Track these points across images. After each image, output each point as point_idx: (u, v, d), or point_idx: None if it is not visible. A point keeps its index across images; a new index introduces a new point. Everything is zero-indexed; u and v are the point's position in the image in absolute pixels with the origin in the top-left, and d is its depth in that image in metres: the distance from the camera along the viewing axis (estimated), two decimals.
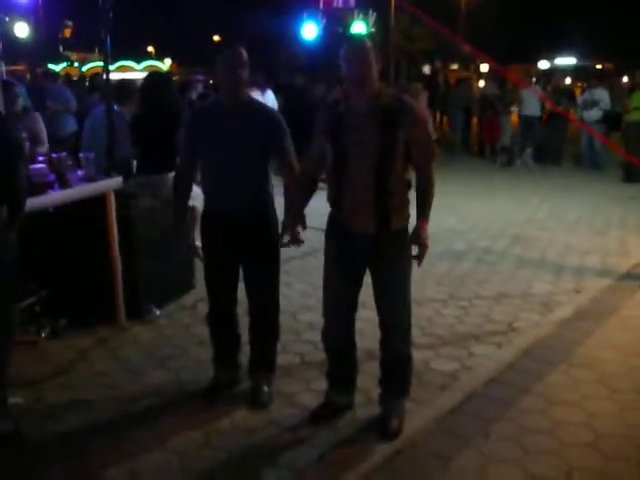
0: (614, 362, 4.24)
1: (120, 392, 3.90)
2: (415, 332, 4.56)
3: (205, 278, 3.81)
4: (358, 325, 3.58)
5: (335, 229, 3.36)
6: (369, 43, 3.20)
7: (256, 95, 10.00)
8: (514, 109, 13.94)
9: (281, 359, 4.03)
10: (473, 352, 4.40)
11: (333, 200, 3.32)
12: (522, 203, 9.30)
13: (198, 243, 5.84)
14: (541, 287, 5.74)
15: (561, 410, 3.63)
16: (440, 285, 5.76)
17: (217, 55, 3.46)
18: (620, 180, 11.16)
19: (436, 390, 3.86)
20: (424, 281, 5.64)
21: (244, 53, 3.45)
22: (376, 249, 3.28)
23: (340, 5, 12.47)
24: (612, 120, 12.74)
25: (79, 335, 4.64)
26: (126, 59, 32.05)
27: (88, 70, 31.97)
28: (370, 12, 12.87)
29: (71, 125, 9.78)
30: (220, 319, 3.81)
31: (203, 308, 5.18)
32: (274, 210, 3.65)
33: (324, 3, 12.60)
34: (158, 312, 5.04)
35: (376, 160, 3.12)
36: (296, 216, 3.43)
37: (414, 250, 3.22)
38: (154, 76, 6.09)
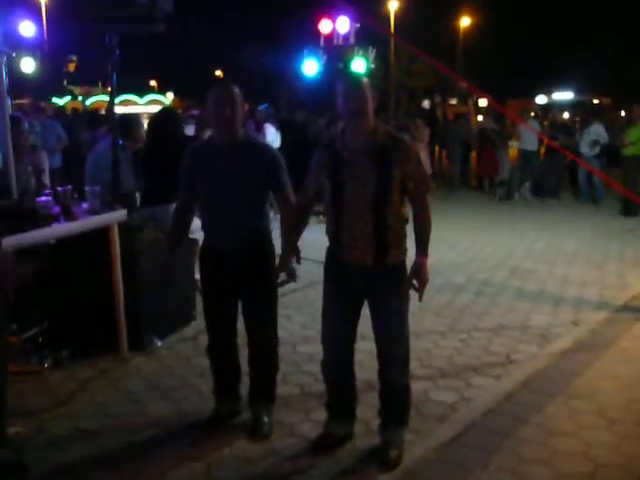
0: (612, 394, 4.27)
1: (122, 422, 3.93)
2: (414, 364, 4.61)
3: (204, 312, 3.87)
4: (357, 356, 3.63)
5: (333, 262, 3.44)
6: (365, 80, 3.30)
7: (271, 128, 10.20)
8: (513, 143, 14.11)
9: (281, 390, 4.07)
10: (472, 383, 4.44)
11: (332, 234, 3.40)
12: (520, 236, 9.38)
13: (198, 276, 5.94)
14: (539, 319, 5.78)
15: (559, 440, 3.66)
16: (439, 317, 5.81)
17: (208, 92, 3.52)
18: (618, 213, 11.26)
19: (435, 421, 3.89)
20: (423, 313, 5.68)
21: (235, 89, 3.49)
22: (374, 282, 3.35)
23: (340, 42, 12.71)
24: (611, 154, 12.93)
25: (81, 366, 4.68)
26: (129, 93, 32.42)
27: (92, 104, 32.36)
28: (370, 49, 13.10)
29: (56, 162, 9.87)
30: (220, 351, 3.85)
31: (204, 340, 5.20)
32: (271, 244, 3.71)
33: (324, 40, 12.84)
34: (159, 343, 5.08)
35: (373, 195, 3.21)
36: (290, 250, 3.52)
37: (414, 284, 3.30)
38: (164, 112, 6.29)
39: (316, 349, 4.46)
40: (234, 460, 3.51)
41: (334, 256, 3.43)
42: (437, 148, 17.20)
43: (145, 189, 5.56)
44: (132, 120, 5.97)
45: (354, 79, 3.36)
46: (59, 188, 4.74)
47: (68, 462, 3.50)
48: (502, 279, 7.09)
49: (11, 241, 3.82)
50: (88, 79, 37.78)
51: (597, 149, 12.61)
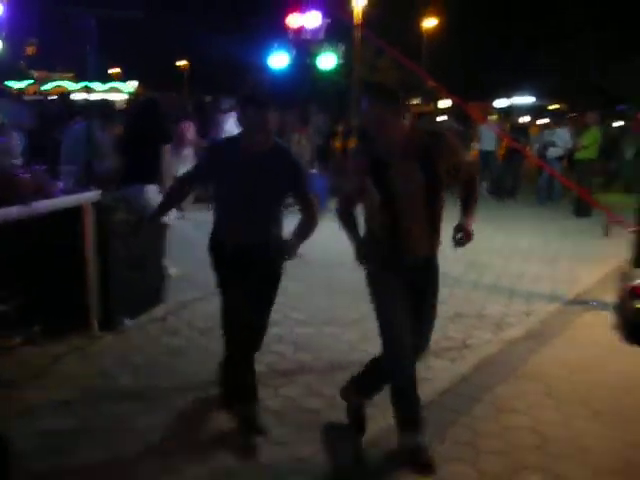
0: (560, 377, 4.56)
1: (94, 394, 4.09)
2: (376, 346, 4.85)
3: (224, 311, 3.76)
4: (323, 340, 3.82)
5: (387, 260, 3.44)
6: (382, 91, 3.33)
7: (232, 117, 10.33)
8: (475, 145, 14.47)
9: (284, 366, 4.40)
10: (430, 366, 4.68)
11: (386, 236, 3.41)
12: (478, 233, 9.61)
13: (168, 262, 6.09)
14: (494, 309, 6.07)
15: (510, 417, 3.93)
16: None
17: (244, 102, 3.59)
18: (571, 214, 11.71)
19: None
20: None
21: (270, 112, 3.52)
22: (426, 271, 3.51)
23: (309, 37, 12.85)
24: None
25: (53, 342, 4.78)
26: (91, 80, 32.05)
27: (51, 89, 31.83)
28: (338, 44, 13.28)
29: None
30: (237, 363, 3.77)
31: (173, 320, 5.43)
32: (280, 237, 3.77)
33: (293, 34, 12.98)
34: (129, 323, 5.21)
35: (425, 195, 3.33)
36: (297, 246, 3.63)
37: (459, 237, 3.44)
38: (147, 100, 6.50)
39: (284, 330, 4.73)
40: (210, 432, 3.69)
41: (387, 255, 3.43)
42: None
43: (122, 171, 5.69)
44: (110, 105, 6.12)
45: (370, 92, 3.39)
46: (34, 167, 4.83)
47: (44, 429, 3.63)
48: (459, 272, 7.35)
49: None
50: (47, 63, 37.12)
51: (560, 151, 13.06)
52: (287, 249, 3.58)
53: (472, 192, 3.58)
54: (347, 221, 3.58)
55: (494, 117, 17.24)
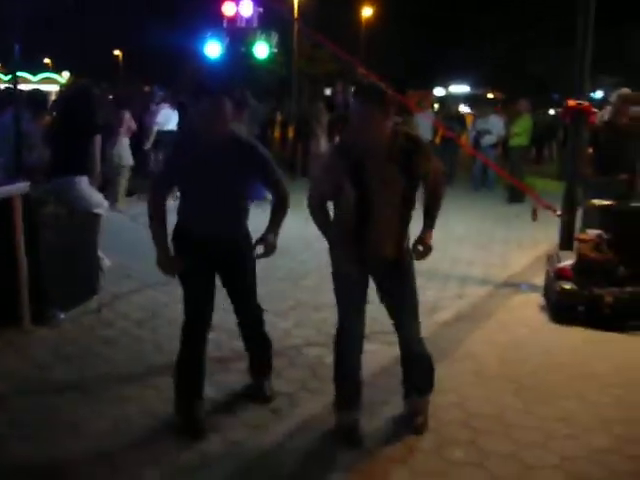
0: (489, 356, 4.73)
1: (30, 386, 4.07)
2: (310, 332, 4.95)
3: (185, 298, 3.75)
4: (277, 333, 3.87)
5: (350, 258, 3.51)
6: (373, 93, 3.33)
7: (167, 109, 10.31)
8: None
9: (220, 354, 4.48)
10: (364, 349, 4.77)
11: (354, 234, 3.46)
12: (415, 218, 9.86)
13: (101, 254, 6.04)
14: (429, 294, 6.20)
15: (439, 396, 4.03)
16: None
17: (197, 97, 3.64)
18: (505, 201, 12.02)
19: (329, 382, 4.18)
20: (321, 288, 5.98)
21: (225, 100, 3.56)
22: (392, 269, 3.56)
23: (243, 24, 12.80)
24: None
25: None
26: (22, 70, 31.21)
27: None
28: (272, 33, 13.29)
29: None
30: (197, 338, 3.77)
31: (107, 312, 5.41)
32: (249, 234, 3.84)
33: (227, 22, 12.91)
34: (62, 316, 5.16)
35: (401, 199, 3.41)
36: (274, 234, 3.76)
37: (419, 249, 3.61)
38: (77, 89, 6.40)
39: (218, 318, 4.75)
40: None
41: (351, 247, 3.50)
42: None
43: (51, 162, 5.61)
44: (41, 95, 6.01)
45: (361, 98, 3.39)
46: None
47: None
48: None
49: None
50: None
51: (494, 139, 13.37)
52: (268, 244, 3.71)
53: (437, 201, 3.67)
54: (320, 218, 3.64)
55: (436, 105, 17.56)
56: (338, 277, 3.63)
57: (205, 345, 3.78)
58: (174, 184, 3.86)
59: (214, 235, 3.66)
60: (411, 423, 3.67)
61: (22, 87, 12.83)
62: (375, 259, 3.53)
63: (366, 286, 3.64)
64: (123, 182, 9.98)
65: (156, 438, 3.52)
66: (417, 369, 3.76)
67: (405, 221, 3.51)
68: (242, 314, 3.95)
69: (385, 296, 3.68)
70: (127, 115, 10.04)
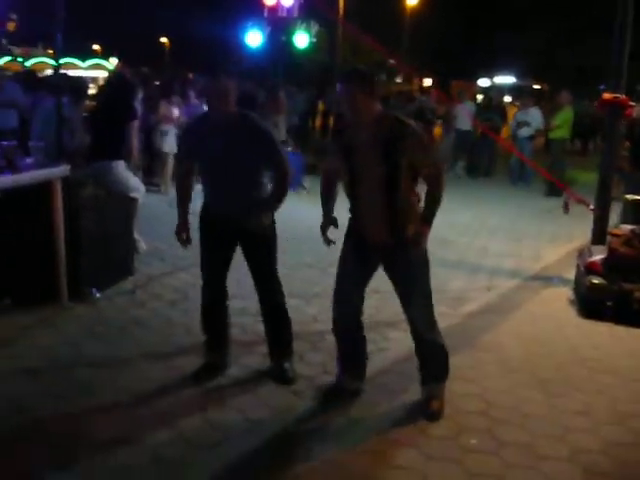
0: (514, 348, 4.76)
1: (61, 362, 4.22)
2: None
3: (203, 269, 4.08)
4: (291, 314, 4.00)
5: (353, 234, 3.74)
6: (355, 79, 3.44)
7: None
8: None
9: (245, 338, 4.60)
10: (388, 337, 4.86)
11: (351, 211, 3.71)
12: (448, 210, 9.70)
13: (137, 236, 6.22)
14: (456, 284, 6.25)
15: (460, 385, 4.10)
16: None
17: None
18: (543, 195, 11.90)
19: None
20: None
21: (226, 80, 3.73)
22: (392, 254, 3.63)
23: (284, 14, 12.88)
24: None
25: (23, 313, 4.90)
26: (71, 56, 31.78)
27: (32, 65, 31.52)
28: (312, 23, 13.34)
29: (12, 122, 9.85)
30: (215, 308, 4.18)
31: (141, 293, 5.56)
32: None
33: (268, 11, 13.00)
34: (98, 295, 5.33)
35: (383, 184, 3.46)
36: (272, 210, 3.89)
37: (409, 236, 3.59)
38: (118, 77, 6.62)
39: (246, 303, 4.88)
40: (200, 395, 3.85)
41: (354, 229, 3.73)
42: None
43: (91, 146, 5.80)
44: (82, 82, 6.21)
45: (343, 80, 3.52)
46: (4, 142, 4.92)
47: (10, 394, 3.76)
48: None
49: None
50: (28, 40, 36.71)
51: (531, 131, 13.20)
52: (258, 216, 3.80)
53: (432, 191, 3.61)
54: (323, 197, 3.87)
55: (479, 97, 17.42)
56: (341, 255, 3.82)
57: (221, 306, 4.17)
58: (189, 163, 4.06)
59: (226, 212, 3.88)
60: (427, 409, 3.73)
61: (71, 73, 13.06)
62: (372, 244, 3.63)
63: (366, 268, 3.75)
64: (168, 169, 10.23)
65: (178, 415, 3.64)
66: (430, 357, 3.82)
67: (392, 208, 3.51)
68: (260, 290, 4.10)
69: (393, 284, 3.78)
70: (170, 103, 10.24)
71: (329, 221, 3.91)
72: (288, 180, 3.90)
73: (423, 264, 3.70)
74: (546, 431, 3.62)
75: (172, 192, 10.32)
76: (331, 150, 3.77)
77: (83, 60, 34.23)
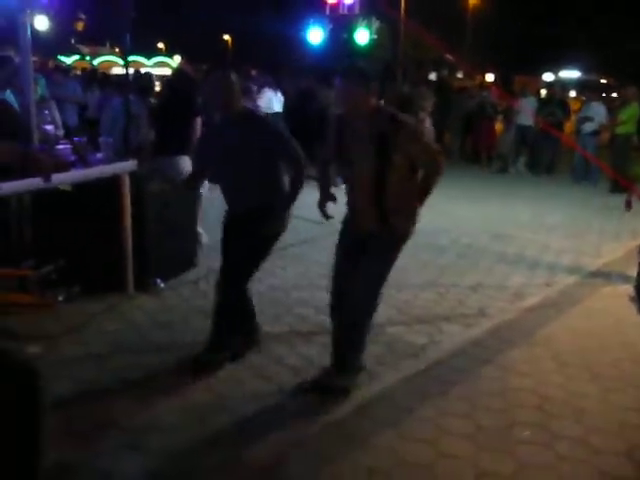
0: (569, 343, 4.74)
1: (127, 348, 4.43)
2: (391, 311, 5.11)
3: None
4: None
5: (347, 222, 3.91)
6: (353, 73, 3.56)
7: (269, 93, 10.68)
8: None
9: (273, 328, 4.61)
10: (443, 330, 4.91)
11: (347, 203, 3.87)
12: (509, 207, 9.80)
13: (200, 229, 6.42)
14: (515, 280, 6.23)
15: (514, 379, 4.14)
16: (421, 273, 6.26)
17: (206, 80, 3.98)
18: (607, 191, 11.66)
19: (405, 357, 4.36)
20: (406, 268, 6.09)
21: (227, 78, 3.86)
22: (369, 245, 3.74)
23: (345, 11, 12.96)
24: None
25: (90, 301, 5.14)
26: (137, 54, 32.60)
27: (100, 64, 32.47)
28: (373, 19, 13.37)
29: (72, 120, 10.25)
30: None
31: (203, 284, 5.74)
32: (274, 212, 3.99)
33: (330, 9, 13.11)
34: (163, 285, 5.54)
35: (372, 178, 3.57)
36: (323, 195, 4.00)
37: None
38: (180, 73, 6.86)
39: (307, 294, 4.97)
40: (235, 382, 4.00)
41: (347, 220, 3.91)
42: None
43: (156, 142, 6.01)
44: (148, 80, 6.45)
45: (340, 75, 3.61)
46: (75, 139, 5.17)
47: (78, 377, 3.98)
48: (484, 244, 7.52)
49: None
50: (96, 39, 37.79)
51: (594, 126, 12.93)
52: (272, 215, 3.92)
53: (426, 184, 3.74)
54: (319, 181, 4.06)
55: (543, 91, 17.13)
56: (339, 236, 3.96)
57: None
58: (203, 165, 4.25)
59: (236, 213, 4.05)
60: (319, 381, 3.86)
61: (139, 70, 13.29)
62: (359, 231, 3.77)
63: (356, 256, 3.82)
64: None
65: (240, 401, 3.78)
66: (341, 339, 3.89)
67: (381, 202, 3.60)
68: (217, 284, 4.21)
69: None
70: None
71: (327, 197, 3.99)
72: (302, 179, 3.96)
73: (387, 258, 3.77)
74: (600, 426, 3.62)
75: None
76: (330, 137, 3.85)
77: (148, 58, 35.08)
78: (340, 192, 3.96)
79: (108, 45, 43.51)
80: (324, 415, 3.65)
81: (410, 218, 3.75)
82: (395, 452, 3.30)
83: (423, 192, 3.75)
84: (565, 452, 3.36)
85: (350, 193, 3.79)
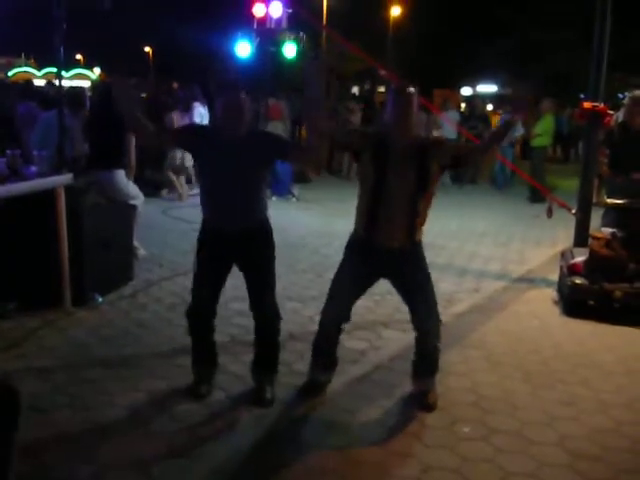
0: (500, 345, 4.99)
1: (70, 362, 4.39)
2: None
3: (195, 282, 3.97)
4: (283, 314, 4.13)
5: (359, 243, 3.85)
6: (414, 92, 3.68)
7: (197, 107, 10.70)
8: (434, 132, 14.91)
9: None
10: (382, 335, 5.08)
11: (365, 218, 3.77)
12: (436, 217, 9.93)
13: (136, 243, 6.40)
14: (445, 287, 6.46)
15: (452, 379, 4.33)
16: None
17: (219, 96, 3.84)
18: (526, 200, 12.20)
19: (348, 363, 4.49)
20: None
21: (242, 95, 3.75)
22: (400, 261, 3.80)
23: (272, 26, 13.12)
24: (525, 147, 13.85)
25: (28, 317, 5.07)
26: (52, 66, 31.84)
27: (13, 75, 31.55)
28: (301, 34, 13.58)
29: None
30: (202, 323, 4.06)
31: (142, 297, 5.75)
32: (270, 229, 3.94)
33: (257, 23, 13.24)
34: (100, 299, 5.50)
35: (413, 189, 3.66)
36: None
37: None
38: (109, 86, 6.75)
39: (245, 306, 5.04)
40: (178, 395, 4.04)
41: (362, 237, 3.82)
42: None
43: (90, 155, 5.96)
44: (80, 92, 6.37)
45: (404, 93, 3.66)
46: (8, 151, 5.08)
47: (25, 393, 3.90)
48: None
49: None
50: (9, 50, 36.67)
51: (512, 138, 13.49)
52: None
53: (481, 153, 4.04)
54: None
55: (463, 105, 17.74)
56: (342, 267, 3.93)
57: (209, 330, 4.08)
58: (175, 138, 4.10)
59: (227, 226, 3.79)
60: (423, 401, 3.95)
61: (56, 82, 13.13)
62: (384, 248, 3.75)
63: (364, 285, 3.96)
64: (174, 177, 10.54)
65: (187, 409, 3.83)
66: (428, 355, 4.02)
67: (415, 213, 3.71)
68: (256, 308, 3.98)
69: (402, 293, 3.95)
70: (175, 116, 10.51)
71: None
72: (311, 149, 3.81)
73: (426, 269, 3.89)
74: (533, 419, 3.85)
75: (165, 202, 10.59)
76: (363, 133, 3.89)
77: (66, 70, 34.34)
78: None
79: (23, 56, 42.37)
80: (273, 421, 3.74)
81: (421, 229, 3.86)
82: (345, 453, 3.42)
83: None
84: (502, 445, 3.56)
85: (378, 209, 3.70)
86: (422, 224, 3.83)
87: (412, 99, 3.66)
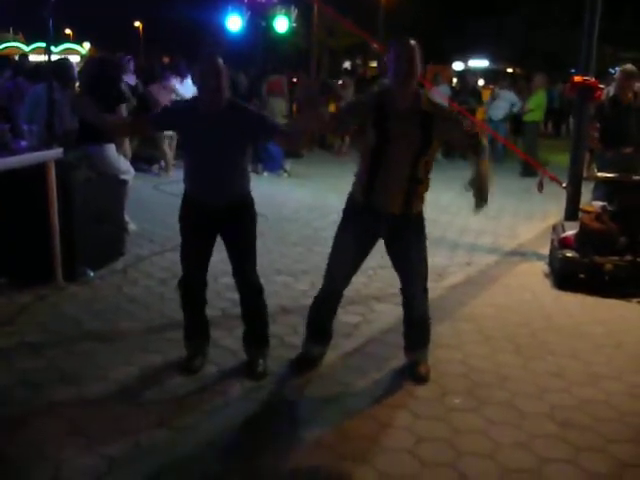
0: (491, 317, 5.02)
1: (62, 337, 4.40)
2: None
3: (183, 254, 3.97)
4: (273, 287, 4.12)
5: (358, 207, 3.79)
6: (416, 44, 3.55)
7: (175, 82, 10.61)
8: None
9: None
10: (374, 309, 5.11)
11: (364, 182, 3.71)
12: (430, 191, 10.08)
13: (127, 218, 6.38)
14: (437, 260, 6.47)
15: (443, 352, 4.36)
16: None
17: (195, 62, 3.78)
18: (518, 174, 12.21)
19: (341, 337, 4.51)
20: None
21: (220, 61, 3.64)
22: (399, 229, 3.78)
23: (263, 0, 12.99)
24: (516, 122, 13.85)
25: (20, 292, 5.06)
26: (42, 41, 31.44)
27: (3, 50, 31.12)
28: (292, 8, 13.45)
29: None
30: (194, 294, 4.06)
31: (133, 272, 5.74)
32: (253, 202, 3.92)
33: None
34: (92, 274, 5.50)
35: (415, 153, 3.60)
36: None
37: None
38: (102, 57, 6.72)
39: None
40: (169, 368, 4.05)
41: (360, 202, 3.75)
42: None
43: (80, 129, 5.91)
44: (68, 65, 6.29)
45: (407, 43, 3.54)
46: None
47: (16, 368, 3.94)
48: None
49: None
50: None
51: (504, 112, 13.50)
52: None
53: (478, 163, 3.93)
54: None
55: (455, 80, 17.65)
56: (340, 234, 3.88)
57: (201, 302, 4.10)
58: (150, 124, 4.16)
59: (211, 200, 3.77)
60: (415, 373, 3.98)
61: (44, 58, 12.99)
62: (382, 213, 3.72)
63: (365, 249, 3.90)
64: (168, 151, 10.45)
65: (179, 382, 3.85)
66: (419, 326, 4.05)
67: (415, 178, 3.67)
68: (240, 280, 3.98)
69: (392, 258, 3.94)
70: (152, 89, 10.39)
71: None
72: (294, 135, 3.80)
73: (424, 241, 3.88)
74: (524, 391, 3.88)
75: (156, 176, 10.55)
76: (363, 104, 3.75)
77: (55, 45, 33.90)
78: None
79: (11, 31, 41.78)
80: (265, 394, 3.77)
81: (422, 199, 3.84)
82: (338, 426, 3.44)
83: (485, 169, 4.03)
84: (493, 416, 3.60)
85: (377, 173, 3.65)
86: (423, 192, 3.79)
87: (414, 51, 3.53)
